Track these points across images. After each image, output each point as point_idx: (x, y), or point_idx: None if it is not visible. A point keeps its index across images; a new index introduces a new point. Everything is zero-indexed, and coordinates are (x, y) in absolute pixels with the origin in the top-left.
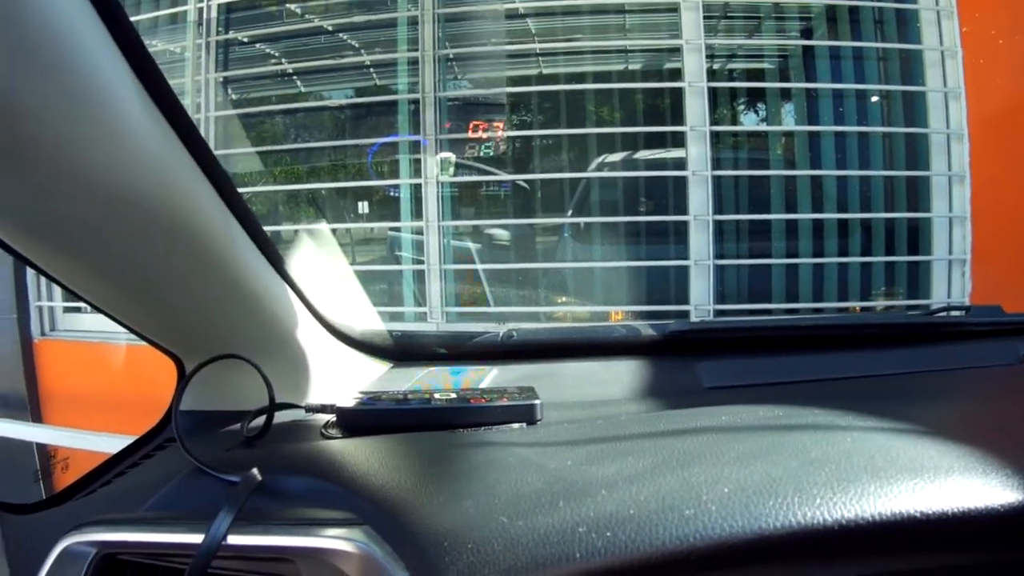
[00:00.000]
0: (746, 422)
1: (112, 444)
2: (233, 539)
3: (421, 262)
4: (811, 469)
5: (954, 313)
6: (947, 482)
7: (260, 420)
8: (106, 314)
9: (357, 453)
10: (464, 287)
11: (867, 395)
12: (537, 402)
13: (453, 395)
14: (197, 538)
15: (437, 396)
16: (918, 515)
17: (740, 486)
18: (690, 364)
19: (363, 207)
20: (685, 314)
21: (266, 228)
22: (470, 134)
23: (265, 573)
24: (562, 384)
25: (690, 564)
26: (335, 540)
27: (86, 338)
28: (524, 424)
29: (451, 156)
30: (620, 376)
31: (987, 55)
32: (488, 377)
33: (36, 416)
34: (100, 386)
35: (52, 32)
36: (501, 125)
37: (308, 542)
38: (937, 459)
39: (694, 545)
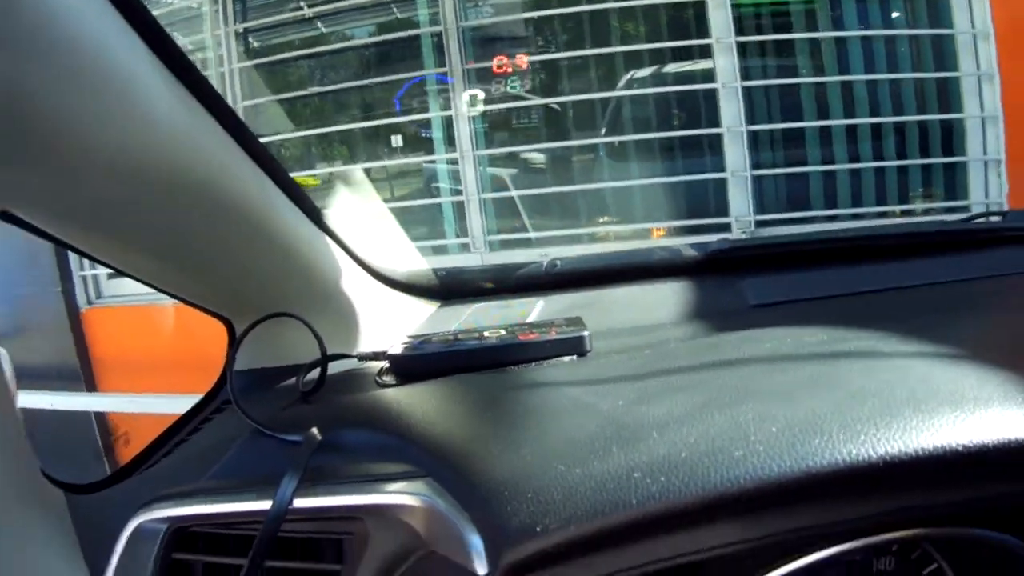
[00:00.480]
0: (790, 349)
1: (169, 405)
2: (299, 502)
3: (459, 193)
4: (854, 403)
5: (992, 219)
6: (988, 413)
7: (315, 373)
8: (149, 284)
9: (412, 401)
10: (504, 214)
11: (908, 309)
12: (586, 334)
13: (503, 331)
14: (264, 504)
15: (487, 334)
16: (960, 448)
17: (787, 424)
18: (734, 282)
19: (396, 144)
20: (726, 227)
21: (300, 173)
22: (495, 65)
23: (334, 532)
24: (608, 311)
25: (742, 505)
26: (399, 495)
27: (133, 302)
28: (575, 356)
29: (478, 92)
30: (665, 299)
31: None
32: (535, 309)
33: (91, 385)
34: (152, 348)
35: (61, 19)
36: (525, 55)
37: (373, 499)
38: (977, 388)
39: (744, 487)
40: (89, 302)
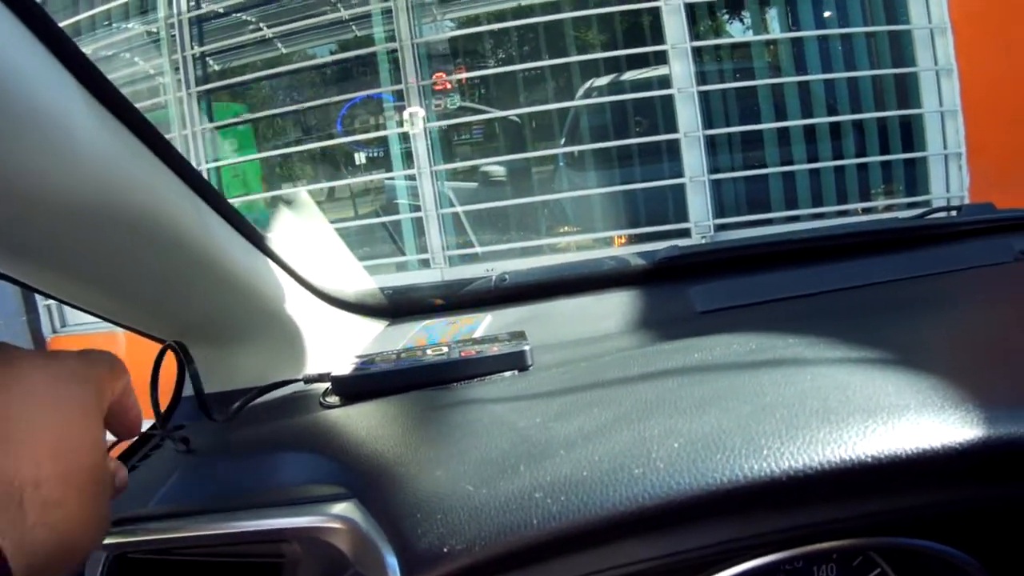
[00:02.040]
0: (716, 359)
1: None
2: (230, 526)
3: (418, 209)
4: (763, 416)
5: (949, 213)
6: (901, 422)
7: (265, 397)
8: (93, 314)
9: (351, 421)
10: (464, 229)
11: (849, 311)
12: (526, 348)
13: (445, 349)
14: (199, 530)
15: (430, 352)
16: (869, 460)
17: (690, 440)
18: (683, 289)
19: (356, 162)
20: (686, 232)
21: (257, 196)
22: (434, 83)
23: (268, 555)
24: (555, 324)
25: (642, 524)
26: (324, 518)
27: (97, 330)
28: (516, 372)
29: (421, 110)
30: (613, 309)
31: None
32: (483, 324)
33: None
34: None
35: None
36: (463, 70)
37: (299, 522)
38: (895, 396)
39: (643, 505)
40: (54, 330)
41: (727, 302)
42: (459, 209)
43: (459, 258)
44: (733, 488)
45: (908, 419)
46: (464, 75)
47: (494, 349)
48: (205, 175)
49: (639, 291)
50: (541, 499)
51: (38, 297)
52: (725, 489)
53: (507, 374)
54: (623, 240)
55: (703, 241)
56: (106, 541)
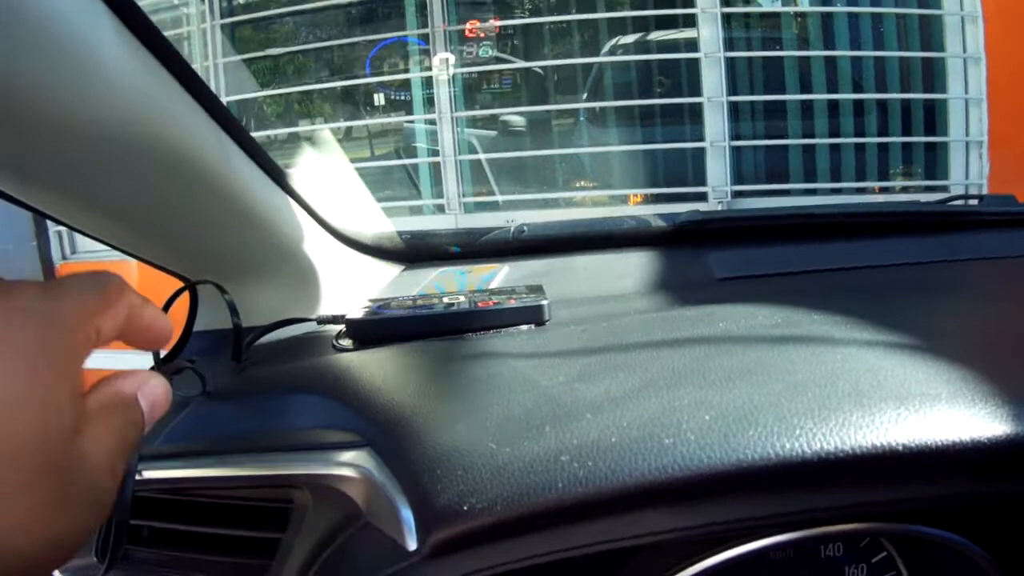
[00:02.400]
0: (742, 330)
1: (136, 361)
2: (239, 470)
3: (436, 154)
4: (794, 394)
5: (969, 202)
6: (932, 412)
7: (274, 335)
8: (107, 244)
9: (365, 366)
10: (481, 177)
11: (872, 291)
12: (544, 302)
13: (462, 298)
14: (207, 472)
15: (446, 300)
16: (900, 448)
17: (721, 413)
18: (702, 254)
19: (377, 103)
20: (703, 196)
21: (277, 131)
22: (467, 29)
23: (277, 500)
24: (573, 279)
25: (669, 495)
26: (337, 466)
27: (107, 257)
28: (532, 326)
29: (453, 56)
30: (631, 269)
31: None
32: (499, 275)
33: None
34: None
35: None
36: (497, 19)
37: (311, 468)
38: (925, 384)
39: (673, 476)
40: (64, 257)
41: (746, 270)
42: (477, 157)
43: (474, 205)
44: (764, 466)
45: (939, 409)
46: (496, 24)
47: (512, 302)
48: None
49: (658, 253)
50: (567, 462)
51: (49, 222)
52: (757, 466)
53: (524, 327)
54: (639, 199)
55: (720, 206)
56: None
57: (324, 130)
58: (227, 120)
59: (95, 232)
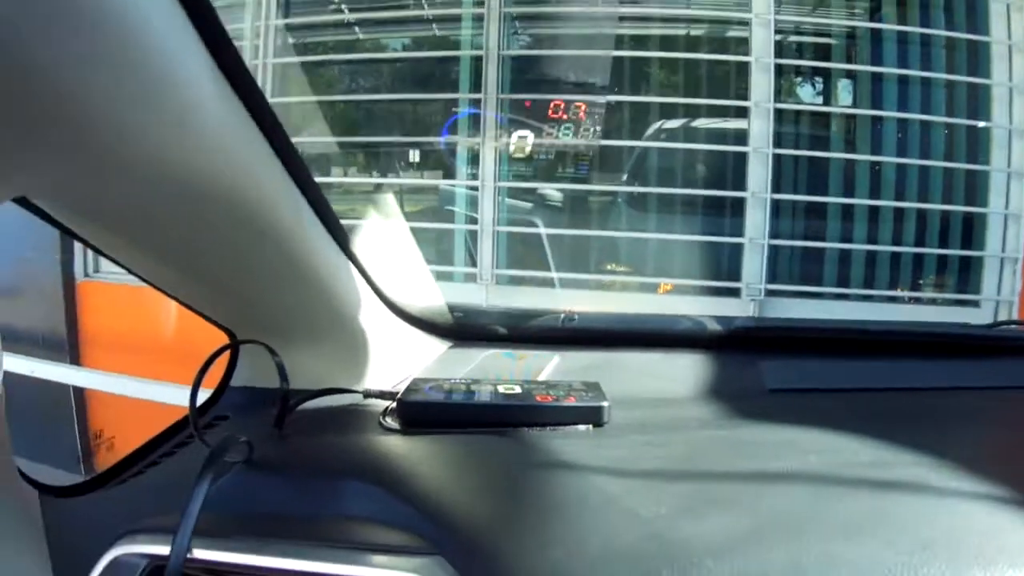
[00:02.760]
0: (834, 468)
1: (152, 391)
2: (293, 563)
3: (474, 221)
4: (924, 556)
5: (1018, 327)
6: None
7: (315, 403)
8: (155, 286)
9: (421, 455)
10: (515, 250)
11: (942, 418)
12: (605, 404)
13: (518, 388)
14: (262, 560)
15: (501, 388)
16: None
17: (855, 573)
18: (754, 361)
19: (417, 162)
20: (735, 291)
21: (325, 180)
22: (551, 110)
23: None
24: (624, 376)
25: None
26: (405, 573)
27: (131, 281)
28: (591, 426)
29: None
30: (683, 370)
31: None
32: (549, 365)
33: (75, 359)
34: (143, 331)
35: (126, 21)
36: (583, 104)
37: (373, 573)
38: None
39: None
40: (86, 274)
41: (799, 383)
42: (514, 230)
43: (505, 278)
44: None
45: None
46: (582, 104)
47: (571, 399)
48: None
49: (709, 356)
50: None
51: None
52: None
53: (582, 428)
54: (669, 287)
55: (752, 303)
56: (146, 549)
57: (385, 189)
58: (301, 174)
59: (143, 272)
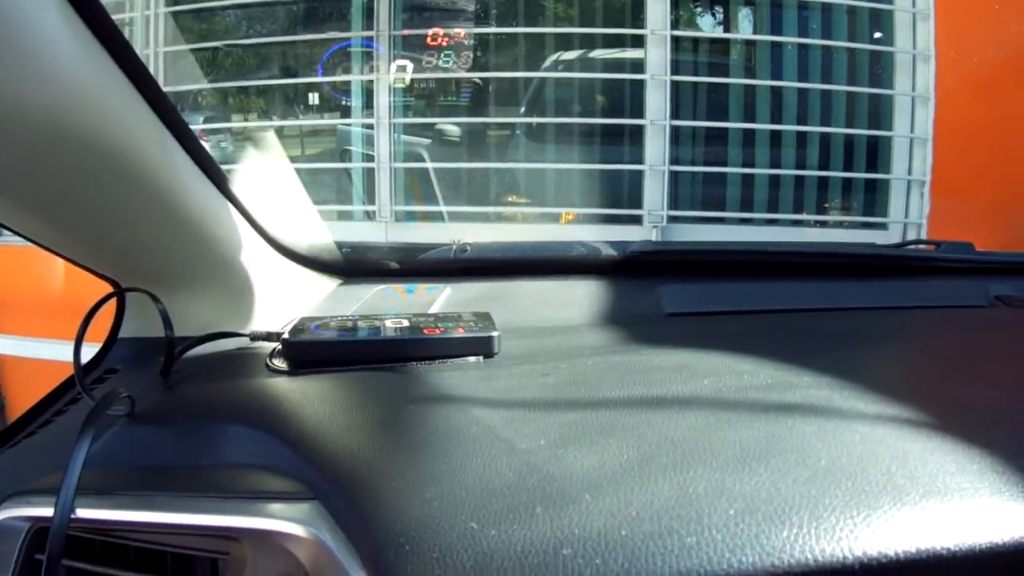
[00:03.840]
0: (733, 392)
1: (47, 350)
2: (171, 517)
3: (371, 159)
4: (825, 485)
5: (925, 247)
6: (975, 511)
7: (202, 349)
8: (32, 241)
9: (305, 396)
10: (413, 186)
11: (846, 339)
12: (495, 334)
13: (406, 322)
14: (136, 515)
15: (389, 323)
16: (945, 553)
17: (747, 506)
18: (651, 286)
19: (313, 102)
20: (637, 219)
21: (214, 126)
22: (429, 37)
23: (209, 550)
24: (518, 306)
25: None
26: (283, 522)
27: (16, 242)
28: (481, 358)
29: (406, 63)
30: (578, 298)
31: None
32: (441, 297)
33: None
34: (35, 291)
35: None
36: (461, 29)
37: (253, 522)
38: (959, 476)
39: None
40: None
41: (697, 307)
42: (414, 165)
43: (404, 215)
44: (802, 573)
45: (981, 507)
46: (461, 31)
47: (460, 330)
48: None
49: (605, 282)
50: (570, 557)
51: None
52: (793, 574)
53: (471, 359)
54: (571, 216)
55: (654, 230)
56: (28, 512)
57: (266, 129)
58: (171, 116)
59: (17, 227)
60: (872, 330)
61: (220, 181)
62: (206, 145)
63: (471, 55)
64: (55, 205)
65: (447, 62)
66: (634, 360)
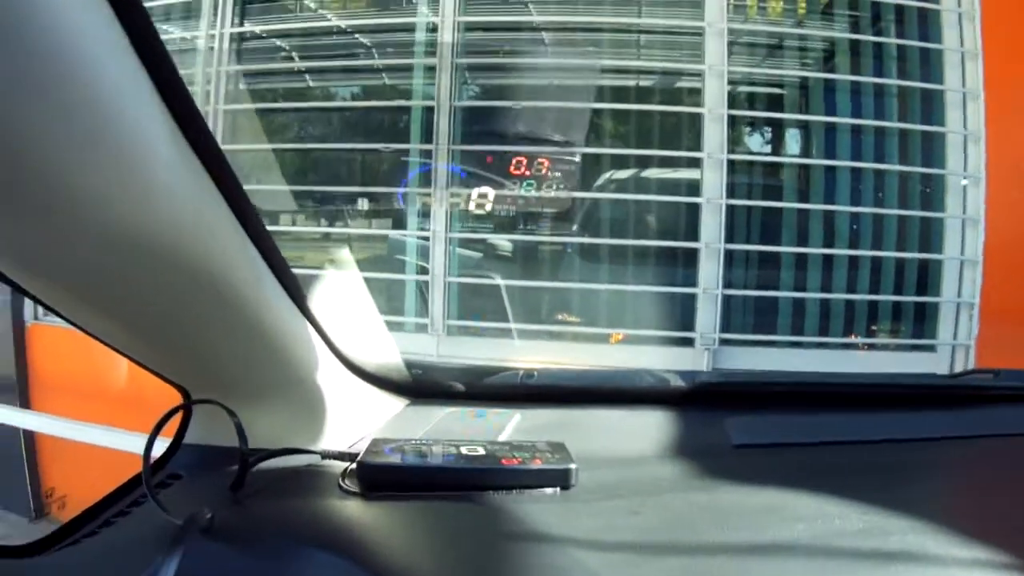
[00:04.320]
0: (830, 537)
1: (106, 437)
2: None
3: (425, 271)
4: None
5: (982, 375)
6: None
7: (270, 463)
8: (107, 344)
9: (384, 522)
10: (466, 300)
11: (920, 472)
12: (573, 467)
13: (481, 450)
14: None
15: (464, 450)
16: None
17: None
18: (719, 418)
19: (368, 210)
20: (689, 341)
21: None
22: (512, 165)
23: None
24: (587, 435)
25: None
26: None
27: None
28: (558, 490)
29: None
30: (647, 428)
31: (1009, 98)
32: (511, 423)
33: (25, 403)
34: (94, 376)
35: (77, 61)
36: (547, 159)
37: None
38: None
39: None
40: (36, 317)
41: (764, 438)
42: (465, 280)
43: (456, 329)
44: None
45: None
46: (538, 158)
47: (537, 461)
48: None
49: (673, 412)
50: None
51: None
52: None
53: (548, 491)
54: (619, 337)
55: (707, 353)
56: None
57: (342, 245)
58: (256, 227)
59: (95, 330)
60: (943, 462)
61: (297, 294)
62: None
63: (545, 181)
64: (136, 312)
65: (529, 188)
66: (716, 498)
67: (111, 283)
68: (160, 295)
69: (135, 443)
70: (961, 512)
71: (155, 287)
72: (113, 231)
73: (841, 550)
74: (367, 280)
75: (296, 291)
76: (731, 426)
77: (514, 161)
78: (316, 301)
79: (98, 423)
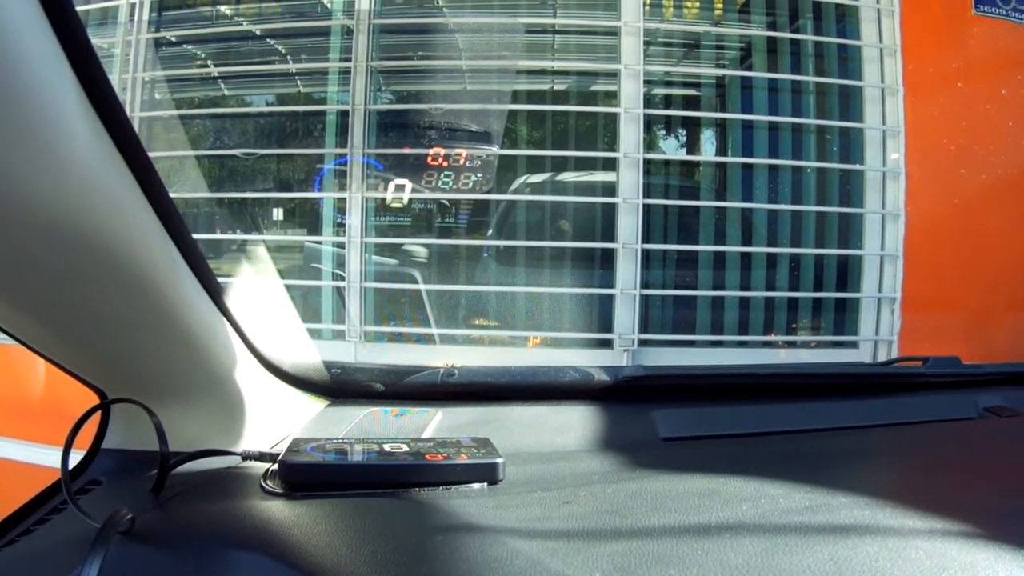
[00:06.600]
0: (777, 515)
1: (21, 452)
2: None
3: (341, 277)
4: None
5: (911, 363)
6: None
7: (192, 465)
8: (20, 341)
9: (306, 522)
10: (383, 305)
11: (852, 458)
12: (500, 461)
13: (405, 447)
14: None
15: (387, 448)
16: None
17: None
18: (644, 411)
19: (282, 218)
20: (608, 342)
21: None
22: (430, 157)
23: None
24: (513, 432)
25: None
26: None
27: (7, 340)
28: (485, 484)
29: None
30: (573, 423)
31: (928, 93)
32: (433, 422)
33: None
34: (8, 390)
35: None
36: (464, 150)
37: None
38: None
39: None
40: None
41: (691, 431)
42: (381, 286)
43: (374, 334)
44: None
45: None
46: (443, 155)
47: (463, 457)
48: None
49: (599, 407)
50: None
51: None
52: None
53: (475, 486)
54: (538, 340)
55: (626, 354)
56: None
57: (259, 244)
58: (176, 224)
59: (14, 330)
60: (872, 449)
61: (217, 294)
62: None
63: (460, 182)
64: (49, 304)
65: (444, 184)
66: (654, 486)
67: (20, 269)
68: (73, 285)
69: (54, 457)
70: (901, 491)
71: (67, 275)
72: (23, 210)
73: (792, 525)
74: (285, 287)
75: (215, 290)
76: (658, 419)
77: (429, 163)
78: (234, 302)
79: (15, 438)
